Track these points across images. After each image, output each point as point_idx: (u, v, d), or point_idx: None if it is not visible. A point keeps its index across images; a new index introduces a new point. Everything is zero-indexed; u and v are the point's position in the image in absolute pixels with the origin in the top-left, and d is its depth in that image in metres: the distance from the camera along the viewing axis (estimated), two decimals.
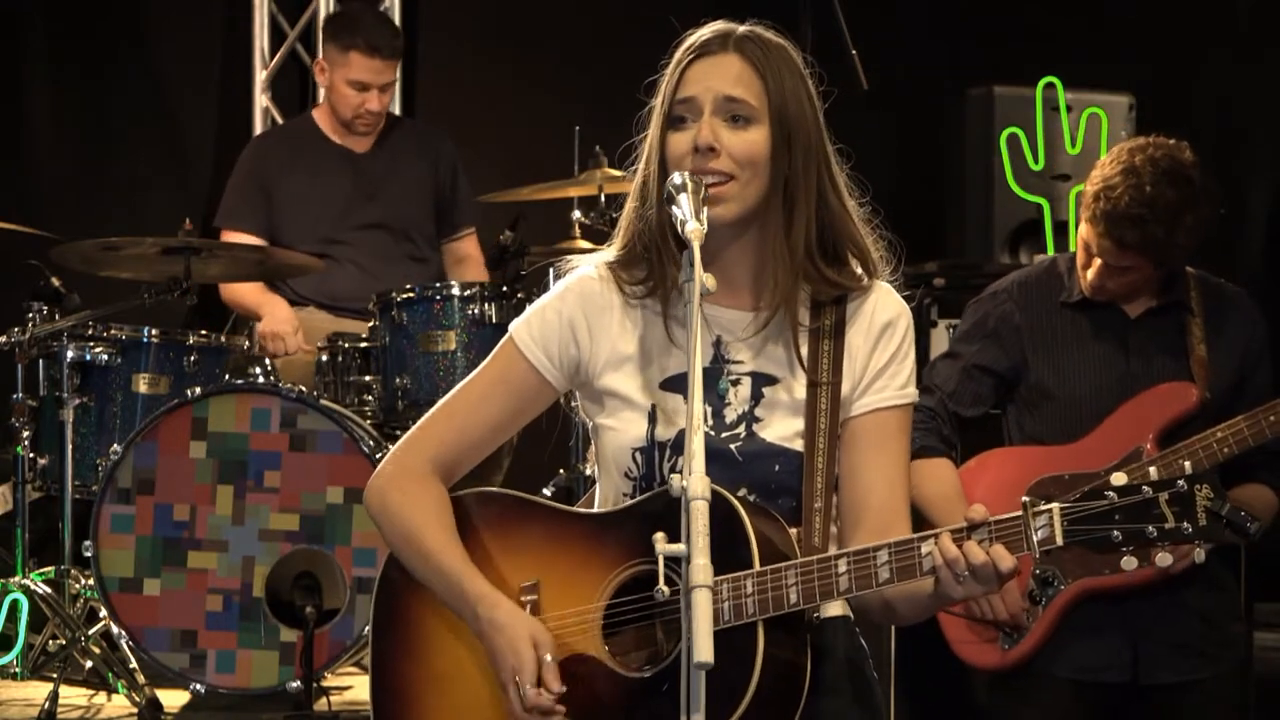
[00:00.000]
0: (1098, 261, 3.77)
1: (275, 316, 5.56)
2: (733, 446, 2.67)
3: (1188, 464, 2.51)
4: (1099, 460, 3.76)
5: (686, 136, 2.64)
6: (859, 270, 2.72)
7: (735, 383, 2.70)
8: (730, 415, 2.69)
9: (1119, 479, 2.44)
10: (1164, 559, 2.44)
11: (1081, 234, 3.81)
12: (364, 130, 5.80)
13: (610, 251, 2.77)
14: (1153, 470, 2.47)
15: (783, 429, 2.68)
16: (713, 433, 2.67)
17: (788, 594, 2.48)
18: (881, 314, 2.73)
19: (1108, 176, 3.71)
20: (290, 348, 5.48)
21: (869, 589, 2.50)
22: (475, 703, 2.67)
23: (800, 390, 2.69)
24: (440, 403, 2.79)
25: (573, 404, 2.85)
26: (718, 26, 2.70)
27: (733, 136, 2.63)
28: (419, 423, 2.79)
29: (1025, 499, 2.47)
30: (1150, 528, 2.42)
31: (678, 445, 2.65)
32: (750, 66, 2.66)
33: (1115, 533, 2.43)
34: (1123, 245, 3.70)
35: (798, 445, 2.67)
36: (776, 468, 2.66)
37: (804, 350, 2.69)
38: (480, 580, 2.64)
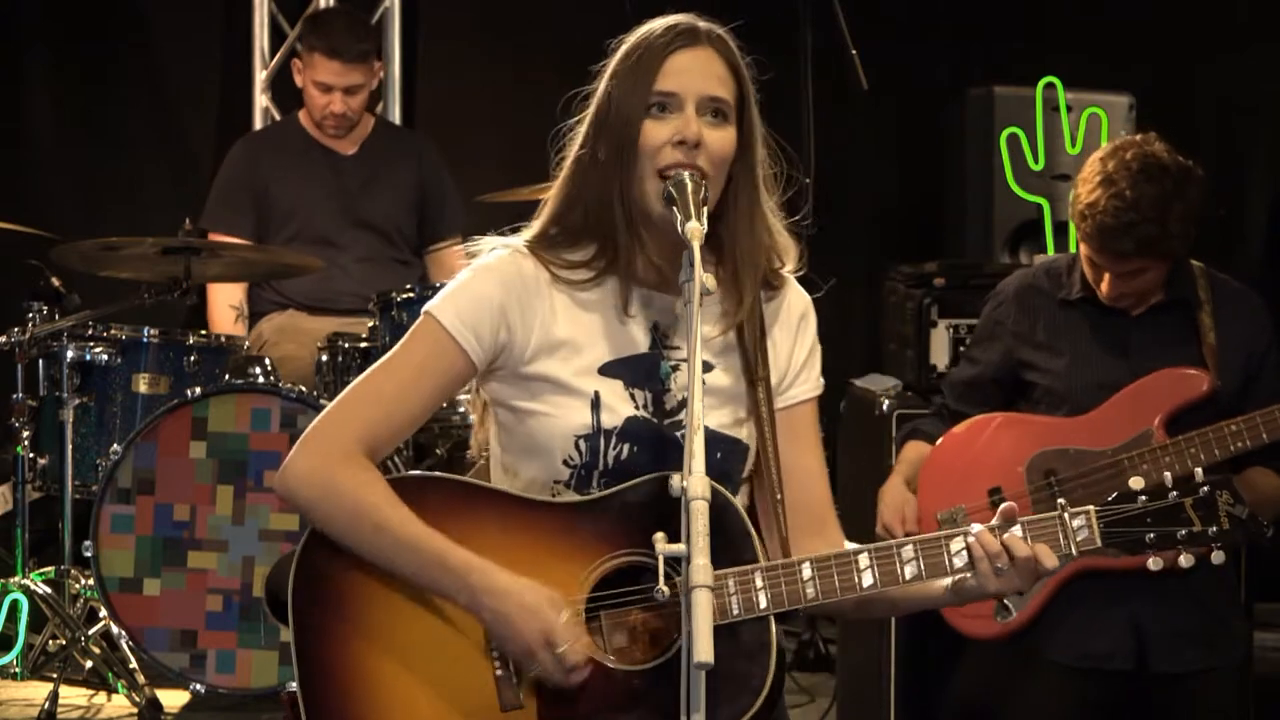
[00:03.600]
0: (1108, 274, 3.78)
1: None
2: (677, 434, 2.65)
3: (1199, 471, 2.67)
4: (1104, 438, 3.75)
5: (667, 127, 2.63)
6: (774, 265, 2.74)
7: (675, 369, 2.69)
8: (671, 402, 2.68)
9: (1137, 483, 2.60)
10: (1187, 560, 2.62)
11: (1082, 252, 3.82)
12: (332, 132, 5.79)
13: (533, 228, 2.77)
14: (1168, 475, 2.63)
15: (721, 416, 2.68)
16: (654, 419, 2.66)
17: (804, 589, 2.52)
18: (796, 306, 2.77)
19: (1089, 193, 3.72)
20: None
21: (894, 585, 2.55)
22: (439, 688, 2.58)
23: (734, 377, 2.70)
24: (360, 382, 2.66)
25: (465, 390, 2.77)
26: (686, 18, 2.70)
27: (710, 133, 2.64)
28: (338, 401, 2.65)
29: (1060, 500, 2.60)
30: (1181, 531, 2.60)
31: (624, 433, 2.64)
32: (726, 65, 2.68)
33: (1150, 535, 2.59)
34: (1122, 254, 3.71)
35: (737, 432, 2.69)
36: (718, 455, 2.66)
37: (739, 338, 2.70)
38: (462, 549, 2.54)
